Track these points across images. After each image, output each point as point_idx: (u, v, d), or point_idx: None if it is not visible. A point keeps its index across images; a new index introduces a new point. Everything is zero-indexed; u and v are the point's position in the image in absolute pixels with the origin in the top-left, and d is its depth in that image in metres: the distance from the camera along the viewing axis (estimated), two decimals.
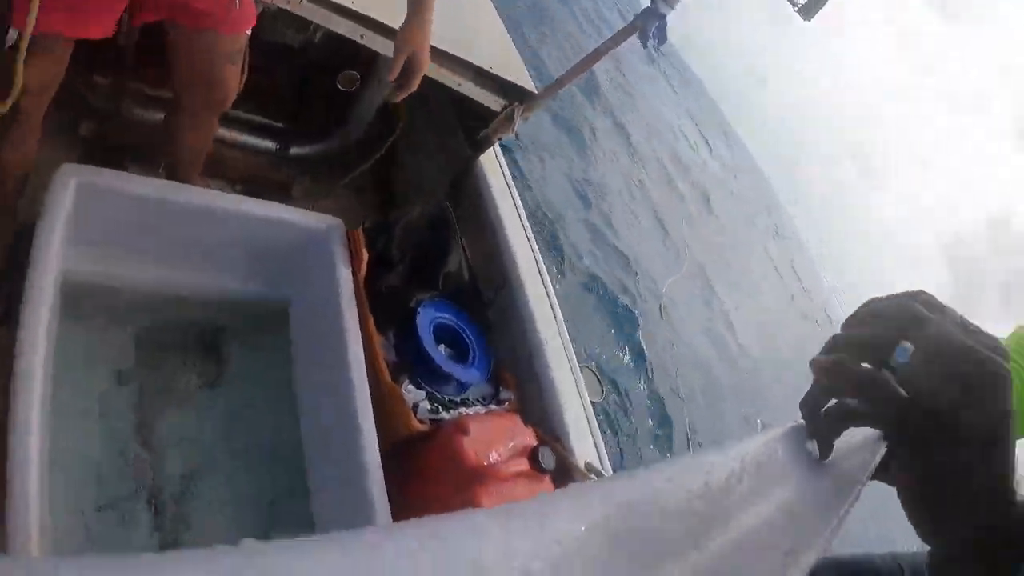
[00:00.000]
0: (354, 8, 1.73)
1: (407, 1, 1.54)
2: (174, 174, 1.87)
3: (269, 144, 2.33)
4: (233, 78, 1.71)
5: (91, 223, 1.50)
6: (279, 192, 2.34)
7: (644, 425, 6.87)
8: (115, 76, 2.02)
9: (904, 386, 0.51)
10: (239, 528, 1.72)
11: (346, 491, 1.55)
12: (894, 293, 0.57)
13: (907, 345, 0.52)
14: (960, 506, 0.55)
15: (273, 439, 1.84)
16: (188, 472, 1.72)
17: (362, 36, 1.78)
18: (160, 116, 1.92)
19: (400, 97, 1.60)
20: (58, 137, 1.84)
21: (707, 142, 17.49)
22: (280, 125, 2.37)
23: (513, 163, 7.28)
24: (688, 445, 7.12)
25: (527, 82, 1.98)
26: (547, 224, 7.27)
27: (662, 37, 1.69)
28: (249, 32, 1.64)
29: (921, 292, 0.56)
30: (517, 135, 2.06)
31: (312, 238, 1.71)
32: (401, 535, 0.23)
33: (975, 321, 0.55)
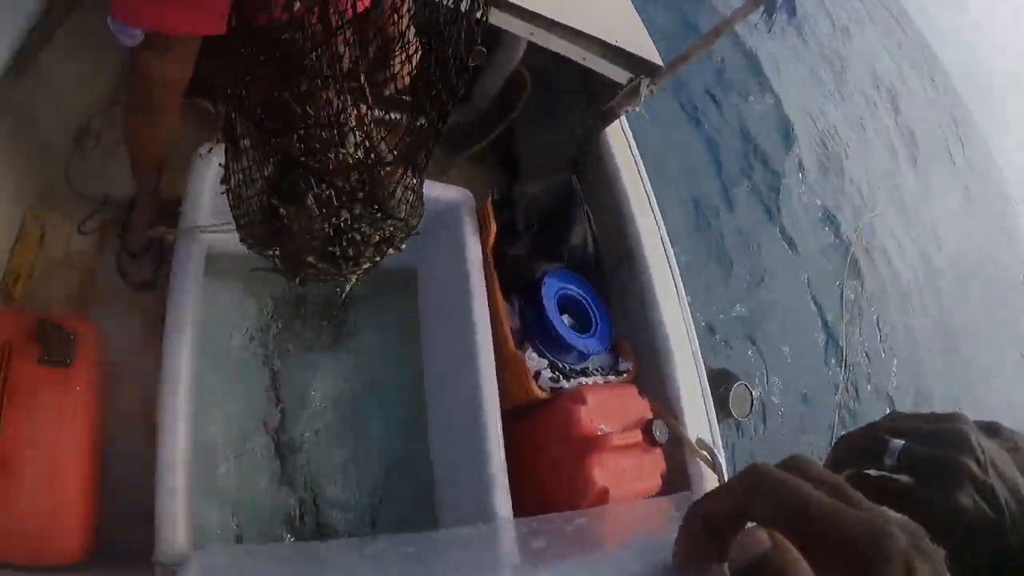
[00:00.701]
0: None
1: None
2: None
3: (397, 115, 2.40)
4: None
5: None
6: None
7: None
8: None
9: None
10: (362, 484, 1.83)
11: (466, 451, 1.63)
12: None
13: (898, 442, 0.58)
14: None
15: (397, 399, 1.94)
16: (314, 429, 1.84)
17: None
18: None
19: None
20: (195, 116, 1.90)
21: (902, 70, 14.96)
22: (407, 98, 2.44)
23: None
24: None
25: (653, 55, 1.96)
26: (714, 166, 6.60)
27: (791, 11, 1.64)
28: None
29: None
30: (641, 110, 2.05)
31: (444, 209, 1.78)
32: None
33: None
